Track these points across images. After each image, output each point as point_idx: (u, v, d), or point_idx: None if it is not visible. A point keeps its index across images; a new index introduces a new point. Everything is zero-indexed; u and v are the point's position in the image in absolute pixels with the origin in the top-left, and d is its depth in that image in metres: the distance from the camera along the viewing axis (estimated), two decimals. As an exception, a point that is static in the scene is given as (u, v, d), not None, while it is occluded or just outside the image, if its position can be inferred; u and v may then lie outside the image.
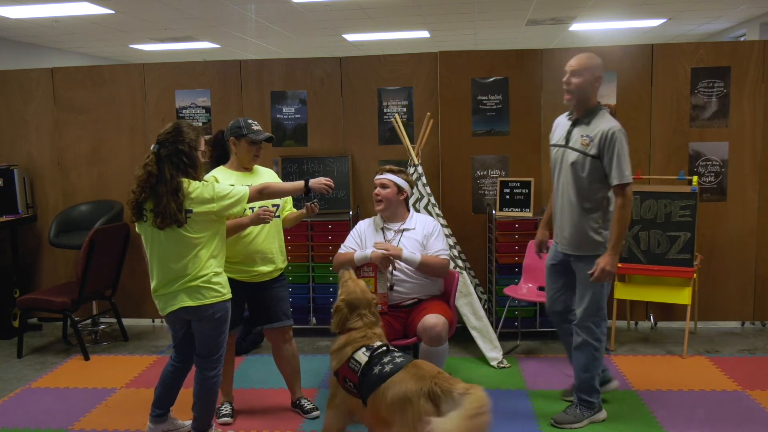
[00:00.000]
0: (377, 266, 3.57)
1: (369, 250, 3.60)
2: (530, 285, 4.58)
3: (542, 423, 3.47)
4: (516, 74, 5.00)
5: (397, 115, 4.86)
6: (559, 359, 4.41)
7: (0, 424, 3.61)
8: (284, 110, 5.23)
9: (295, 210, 3.71)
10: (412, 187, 3.86)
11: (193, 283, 2.98)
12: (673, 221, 4.51)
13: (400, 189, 3.70)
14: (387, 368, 2.67)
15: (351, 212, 4.99)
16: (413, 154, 4.62)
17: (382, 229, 3.76)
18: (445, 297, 3.76)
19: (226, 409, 3.62)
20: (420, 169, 4.57)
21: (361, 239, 3.78)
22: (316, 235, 4.91)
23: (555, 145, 3.44)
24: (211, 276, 3.02)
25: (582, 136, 3.26)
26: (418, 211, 4.34)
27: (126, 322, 5.21)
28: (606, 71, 3.62)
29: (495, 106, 5.03)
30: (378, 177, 3.74)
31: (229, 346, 3.51)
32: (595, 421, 3.44)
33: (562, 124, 3.44)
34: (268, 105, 5.23)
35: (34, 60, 9.71)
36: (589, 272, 3.24)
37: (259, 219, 3.26)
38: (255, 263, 3.43)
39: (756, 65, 4.82)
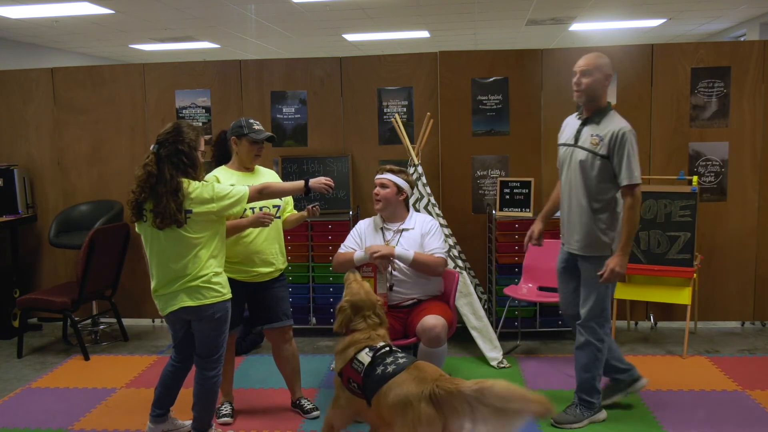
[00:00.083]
0: (376, 267, 3.57)
1: (361, 252, 3.60)
2: (530, 285, 4.58)
3: (542, 423, 3.47)
4: (516, 74, 5.00)
5: (397, 115, 4.86)
6: (559, 359, 4.41)
7: (0, 424, 3.61)
8: (284, 110, 5.23)
9: (296, 212, 3.71)
10: (412, 188, 3.85)
11: (193, 283, 2.98)
12: (673, 221, 4.52)
13: (399, 189, 3.70)
14: (390, 369, 2.68)
15: (351, 212, 5.00)
16: (413, 154, 4.62)
17: (382, 229, 3.76)
18: (445, 297, 3.76)
19: (226, 409, 3.62)
20: (420, 169, 4.57)
21: (361, 239, 3.78)
22: (316, 235, 4.91)
23: (563, 145, 3.43)
24: (211, 276, 3.02)
25: (592, 135, 3.25)
26: (418, 210, 4.34)
27: (126, 322, 5.21)
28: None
29: (495, 106, 5.03)
30: (378, 177, 3.74)
31: (229, 346, 3.51)
32: (595, 421, 3.44)
33: (571, 123, 3.44)
34: (268, 105, 5.23)
35: (34, 60, 9.71)
36: (599, 273, 3.23)
37: (259, 222, 3.26)
38: (255, 264, 3.43)
39: (756, 65, 4.82)
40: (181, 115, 5.28)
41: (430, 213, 4.44)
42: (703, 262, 4.73)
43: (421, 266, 3.59)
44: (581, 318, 3.38)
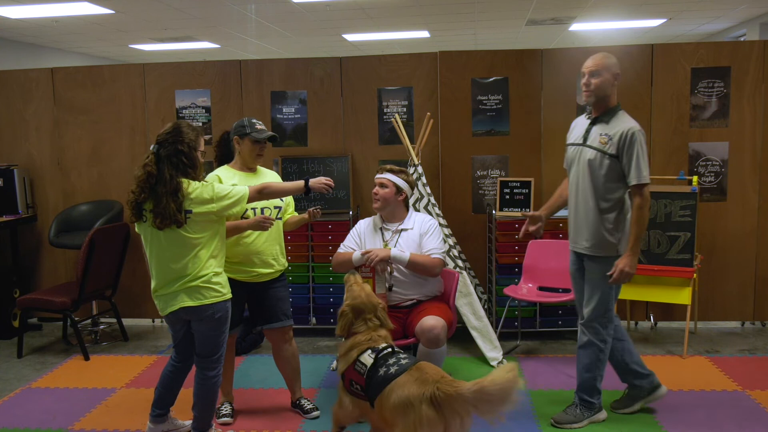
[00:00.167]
0: (375, 267, 3.57)
1: (359, 252, 3.60)
2: (530, 285, 4.58)
3: (542, 423, 3.48)
4: (516, 74, 5.00)
5: (397, 115, 4.86)
6: (558, 359, 4.41)
7: (0, 424, 3.61)
8: (284, 110, 5.23)
9: (296, 214, 3.71)
10: (412, 188, 3.83)
11: (193, 283, 2.98)
12: (673, 221, 4.52)
13: (398, 189, 3.70)
14: (392, 370, 2.68)
15: (351, 212, 5.00)
16: (413, 154, 4.62)
17: (381, 229, 3.76)
18: (445, 297, 3.75)
19: (226, 409, 3.62)
20: (420, 169, 4.57)
21: (360, 239, 3.78)
22: (316, 235, 4.91)
23: (572, 144, 3.42)
24: (211, 276, 3.02)
25: (601, 134, 3.25)
26: (418, 210, 4.33)
27: (126, 322, 5.22)
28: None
29: (495, 106, 5.03)
30: (378, 176, 3.74)
31: (229, 346, 3.52)
32: (595, 421, 3.44)
33: (580, 124, 3.44)
34: (268, 105, 5.23)
35: (34, 60, 9.71)
36: (608, 273, 3.23)
37: (260, 226, 3.27)
38: (254, 264, 3.43)
39: (756, 65, 4.82)
40: (181, 115, 5.29)
41: (430, 213, 4.44)
42: (703, 262, 4.73)
43: (417, 267, 3.58)
44: (584, 318, 3.38)
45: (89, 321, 5.18)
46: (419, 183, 4.51)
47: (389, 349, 2.84)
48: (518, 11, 8.41)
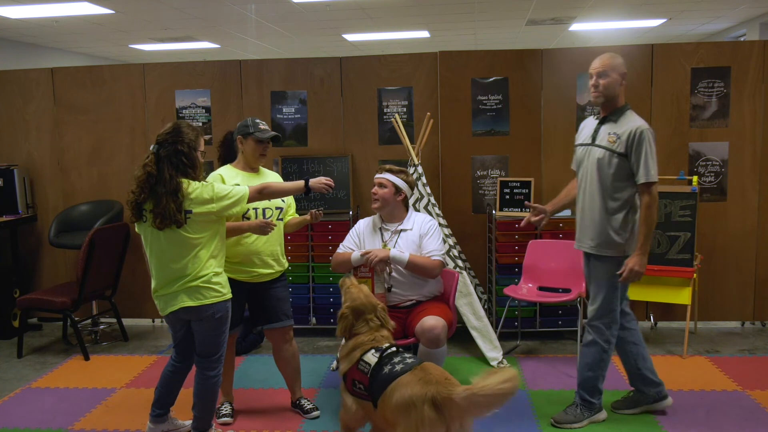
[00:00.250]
0: (373, 267, 3.56)
1: (358, 253, 3.60)
2: (530, 285, 4.58)
3: (542, 423, 3.48)
4: (516, 74, 5.00)
5: (397, 115, 4.86)
6: (559, 359, 4.41)
7: (0, 424, 3.61)
8: (284, 110, 5.23)
9: (297, 215, 3.71)
10: (412, 188, 3.82)
11: (193, 284, 2.98)
12: (673, 221, 4.52)
13: (398, 189, 3.69)
14: (397, 368, 2.67)
15: (351, 212, 5.00)
16: (413, 154, 4.62)
17: (380, 229, 3.76)
18: (445, 298, 3.75)
19: (226, 409, 3.62)
20: (420, 169, 4.57)
21: (360, 239, 3.78)
22: (316, 235, 4.91)
23: (581, 145, 3.43)
24: (211, 276, 3.02)
25: (609, 133, 3.25)
26: (418, 210, 4.33)
27: (126, 322, 5.22)
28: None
29: (495, 106, 5.03)
30: (377, 176, 3.74)
31: (229, 346, 3.52)
32: (595, 421, 3.44)
33: (588, 125, 3.45)
34: (268, 105, 5.23)
35: (34, 60, 9.71)
36: (618, 272, 3.23)
37: (260, 230, 3.27)
38: (255, 264, 3.43)
39: (756, 65, 4.82)
40: (181, 115, 5.28)
41: (430, 213, 4.44)
42: (703, 262, 4.73)
43: (416, 269, 3.58)
44: (588, 317, 3.38)
45: (89, 321, 5.18)
46: (419, 183, 4.51)
47: (394, 349, 2.84)
48: (518, 11, 8.41)
